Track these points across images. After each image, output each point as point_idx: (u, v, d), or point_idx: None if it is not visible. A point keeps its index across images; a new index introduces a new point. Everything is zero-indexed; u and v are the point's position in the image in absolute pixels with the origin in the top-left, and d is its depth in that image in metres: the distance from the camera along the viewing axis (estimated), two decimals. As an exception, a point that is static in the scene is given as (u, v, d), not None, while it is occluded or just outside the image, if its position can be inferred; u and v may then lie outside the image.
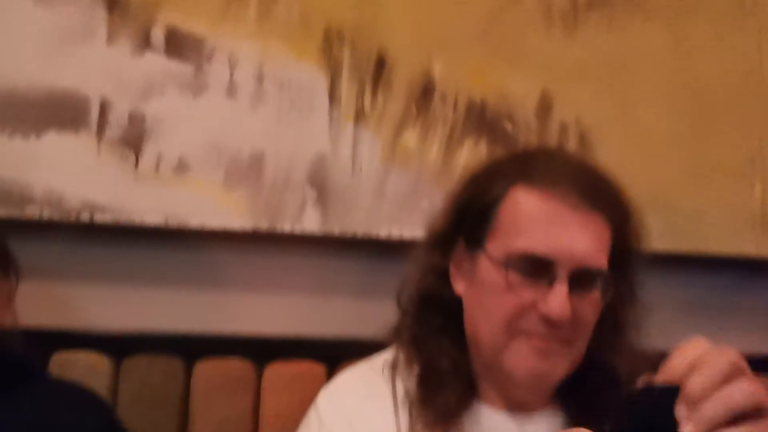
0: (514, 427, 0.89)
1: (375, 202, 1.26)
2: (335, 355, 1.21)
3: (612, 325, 0.89)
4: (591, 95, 1.33)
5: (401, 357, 0.94)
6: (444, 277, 0.93)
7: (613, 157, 1.31)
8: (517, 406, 0.90)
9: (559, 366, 0.85)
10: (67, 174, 1.19)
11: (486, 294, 0.87)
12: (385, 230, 1.26)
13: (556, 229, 0.83)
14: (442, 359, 0.90)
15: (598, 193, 0.86)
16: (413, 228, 1.24)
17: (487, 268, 0.86)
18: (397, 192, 1.27)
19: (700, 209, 1.34)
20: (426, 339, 0.92)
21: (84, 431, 0.96)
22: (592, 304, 0.85)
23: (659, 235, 1.32)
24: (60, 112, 1.20)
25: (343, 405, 0.92)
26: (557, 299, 0.82)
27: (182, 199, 1.21)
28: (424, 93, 1.29)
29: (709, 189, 1.36)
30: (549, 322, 0.82)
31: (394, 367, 0.93)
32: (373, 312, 1.24)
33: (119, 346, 1.18)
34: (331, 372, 1.20)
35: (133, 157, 1.21)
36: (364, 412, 0.90)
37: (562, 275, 0.82)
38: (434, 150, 1.29)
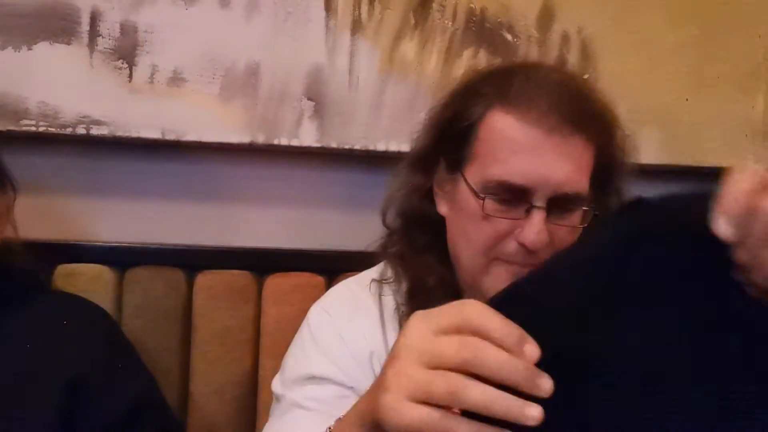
0: None
1: (372, 115, 1.25)
2: (334, 266, 1.23)
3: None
4: (593, 5, 1.29)
5: (389, 273, 0.96)
6: (428, 196, 0.93)
7: (615, 69, 1.30)
8: None
9: None
10: (61, 87, 1.17)
11: (465, 219, 0.87)
12: (383, 144, 1.26)
13: (532, 157, 0.82)
14: (429, 276, 0.91)
15: (578, 114, 0.83)
16: (411, 141, 1.23)
17: (465, 193, 0.86)
18: (394, 104, 1.26)
19: (701, 122, 1.33)
20: (413, 256, 0.94)
21: (87, 342, 0.99)
22: (571, 227, 0.85)
23: (658, 147, 1.33)
24: (51, 22, 1.17)
25: (332, 321, 0.94)
26: (533, 227, 0.81)
27: (178, 112, 1.20)
28: (423, 2, 1.26)
29: (710, 101, 1.34)
30: (526, 249, 0.82)
31: (381, 283, 0.95)
32: (369, 224, 1.25)
33: (121, 259, 1.20)
34: (329, 283, 1.23)
35: (126, 69, 1.19)
36: (354, 327, 0.92)
37: (539, 203, 0.82)
38: (433, 61, 1.26)
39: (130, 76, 1.19)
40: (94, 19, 1.18)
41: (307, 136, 1.23)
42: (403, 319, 0.90)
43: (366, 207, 1.27)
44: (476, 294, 0.89)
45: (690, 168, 1.34)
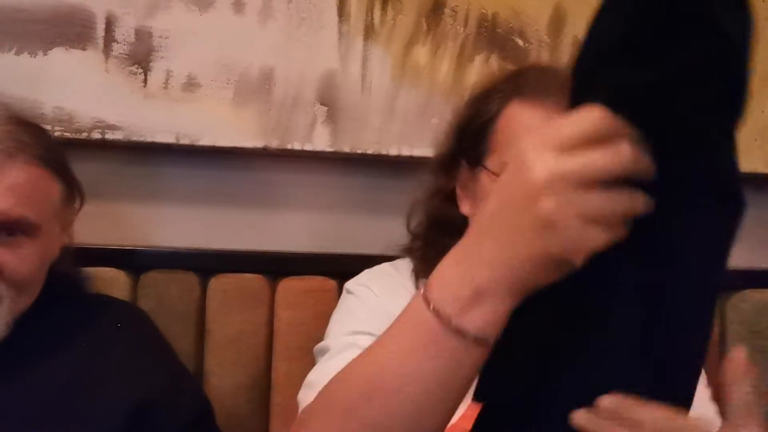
0: None
1: (385, 120, 1.26)
2: (346, 270, 1.23)
3: None
4: (605, 10, 1.30)
5: (411, 266, 0.99)
6: (451, 198, 0.96)
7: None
8: None
9: None
10: (76, 92, 1.18)
11: None
12: (395, 148, 1.26)
13: None
14: None
15: None
16: (423, 146, 1.24)
17: (488, 183, 0.89)
18: (407, 109, 1.27)
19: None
20: (436, 257, 0.94)
21: (148, 358, 1.00)
22: None
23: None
24: (66, 28, 1.18)
25: (373, 294, 0.97)
26: None
27: (192, 116, 1.21)
28: (435, 8, 1.27)
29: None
30: None
31: (404, 268, 0.99)
32: (382, 229, 1.26)
33: (136, 263, 1.21)
34: (342, 287, 1.23)
35: (141, 75, 1.20)
36: (384, 291, 0.95)
37: None
38: (445, 66, 1.27)
39: (145, 81, 1.20)
40: (110, 24, 1.19)
41: (321, 141, 1.24)
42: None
43: (378, 211, 1.28)
44: None
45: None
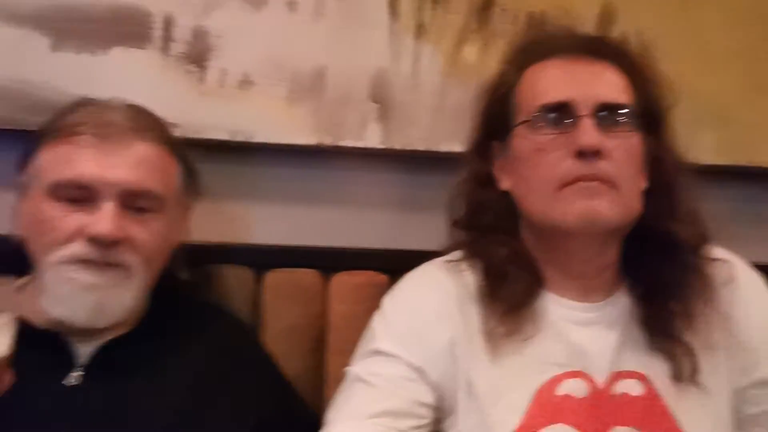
0: (580, 314, 0.93)
1: (435, 117, 1.28)
2: (397, 265, 1.24)
3: (662, 189, 0.92)
4: (652, 6, 1.32)
5: (463, 256, 0.99)
6: (488, 181, 0.98)
7: (674, 69, 1.30)
8: (582, 291, 0.93)
9: (608, 207, 0.86)
10: (134, 90, 1.19)
11: (525, 169, 0.91)
12: (445, 145, 1.28)
13: (569, 79, 0.90)
14: (502, 250, 0.94)
15: (606, 47, 0.93)
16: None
17: (519, 142, 0.92)
18: (457, 107, 1.28)
19: (758, 122, 1.35)
20: (481, 238, 0.97)
21: (242, 357, 1.04)
22: (622, 141, 0.88)
23: (715, 148, 1.34)
24: (124, 28, 1.21)
25: (406, 298, 0.98)
26: (585, 133, 0.86)
27: (246, 114, 1.24)
28: (484, 6, 1.29)
29: (765, 102, 1.35)
30: (582, 154, 0.86)
31: (456, 264, 0.98)
32: (431, 225, 1.27)
33: (191, 258, 1.22)
34: (393, 281, 1.24)
35: (197, 73, 1.23)
36: (430, 307, 0.95)
37: (585, 111, 0.87)
38: (494, 64, 1.28)
39: (202, 79, 1.22)
40: (167, 24, 1.21)
41: (372, 138, 1.26)
42: (483, 299, 0.93)
43: (428, 207, 1.29)
44: (554, 256, 0.93)
45: (746, 168, 1.35)
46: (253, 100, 1.24)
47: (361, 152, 1.27)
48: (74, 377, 0.92)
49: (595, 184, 0.86)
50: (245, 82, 1.23)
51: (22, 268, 0.99)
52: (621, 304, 0.94)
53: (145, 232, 0.94)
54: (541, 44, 0.96)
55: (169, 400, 0.93)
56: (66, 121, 0.97)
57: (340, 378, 1.19)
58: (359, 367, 0.94)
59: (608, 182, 0.86)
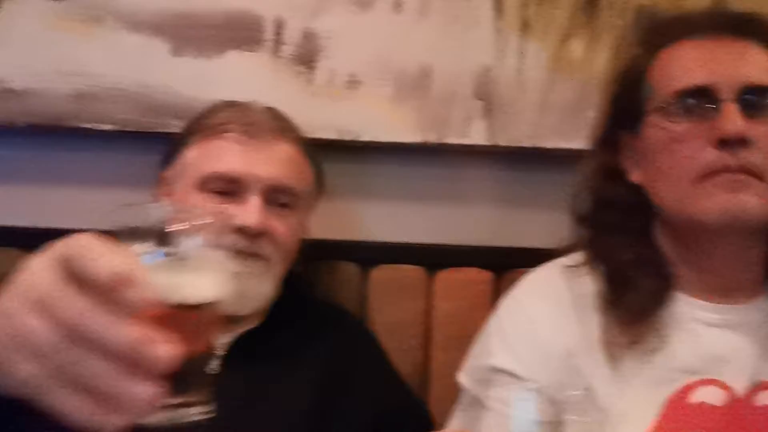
0: (717, 317, 0.86)
1: (540, 114, 1.27)
2: (502, 262, 1.25)
3: None
4: (771, -5, 1.26)
5: (582, 260, 0.93)
6: (615, 175, 0.92)
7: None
8: (720, 292, 0.86)
9: (755, 201, 0.80)
10: (248, 91, 1.24)
11: (659, 157, 0.85)
12: (551, 141, 1.27)
13: (709, 60, 0.83)
14: (626, 253, 0.88)
15: (750, 24, 0.85)
16: (578, 139, 1.23)
17: (652, 131, 0.86)
18: (562, 102, 1.27)
19: None
20: (606, 238, 0.91)
21: (364, 360, 1.08)
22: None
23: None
24: (237, 32, 1.26)
25: (522, 309, 0.93)
26: (728, 120, 0.80)
27: (354, 113, 1.26)
28: (591, 1, 1.27)
29: None
30: (725, 144, 0.79)
31: (575, 268, 0.93)
32: (536, 222, 1.27)
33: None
34: (497, 279, 1.25)
35: (307, 74, 1.26)
36: (545, 317, 0.90)
37: (728, 95, 0.81)
38: (601, 59, 1.27)
39: (311, 80, 1.26)
40: (278, 27, 1.26)
41: (477, 135, 1.26)
42: (604, 306, 0.87)
43: (533, 205, 1.29)
44: (691, 255, 0.87)
45: None
46: (361, 99, 1.26)
47: (466, 149, 1.28)
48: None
49: (741, 175, 0.80)
50: (352, 82, 1.26)
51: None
52: (764, 309, 0.87)
53: (283, 226, 1.00)
54: (676, 23, 0.90)
55: (299, 391, 0.97)
56: (212, 120, 1.05)
57: (444, 374, 1.21)
58: (477, 386, 0.91)
59: (755, 174, 0.80)
